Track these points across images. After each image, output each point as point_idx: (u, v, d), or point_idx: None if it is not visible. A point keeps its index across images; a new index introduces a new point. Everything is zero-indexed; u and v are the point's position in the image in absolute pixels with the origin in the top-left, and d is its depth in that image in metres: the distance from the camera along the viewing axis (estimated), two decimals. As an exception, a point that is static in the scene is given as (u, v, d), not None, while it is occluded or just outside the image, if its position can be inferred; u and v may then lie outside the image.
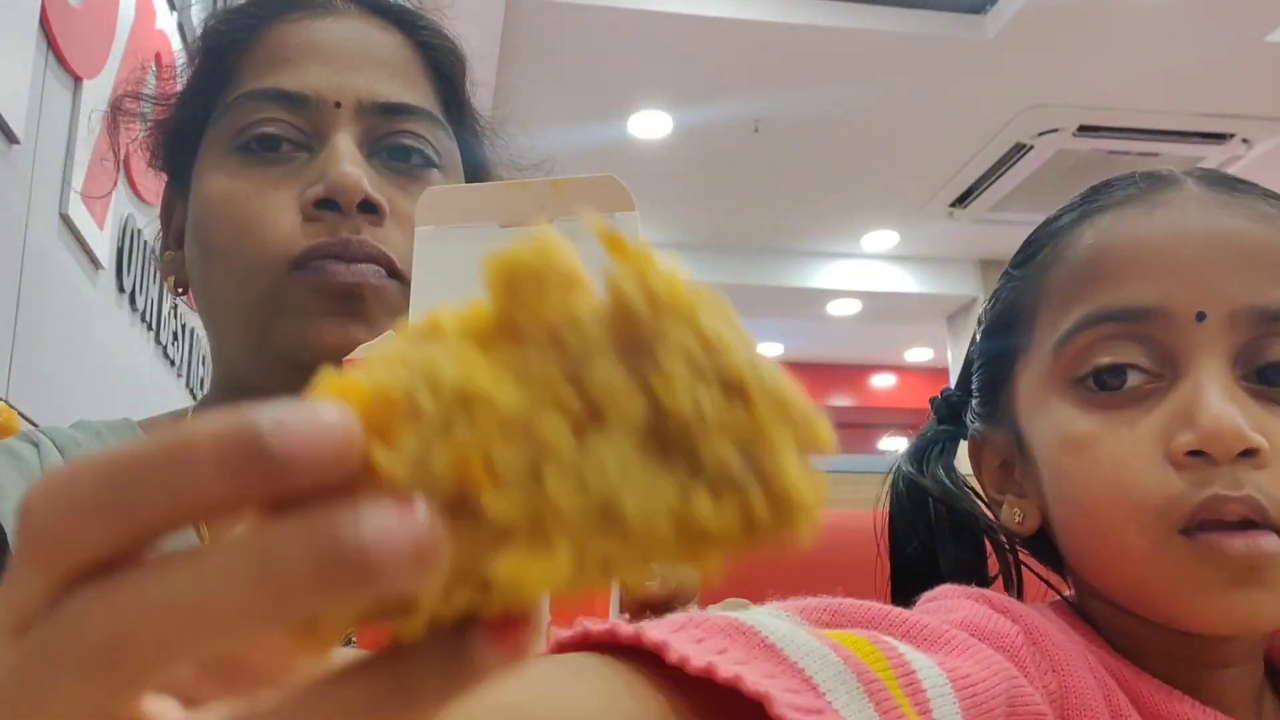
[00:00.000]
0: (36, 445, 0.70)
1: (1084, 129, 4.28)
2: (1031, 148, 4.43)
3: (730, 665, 0.35)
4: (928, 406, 0.72)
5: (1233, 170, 3.80)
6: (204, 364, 2.14)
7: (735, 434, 0.19)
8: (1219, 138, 4.35)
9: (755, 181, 4.83)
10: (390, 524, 0.18)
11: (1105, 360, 0.55)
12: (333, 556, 0.18)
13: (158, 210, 0.82)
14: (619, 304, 0.20)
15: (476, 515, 0.19)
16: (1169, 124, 4.25)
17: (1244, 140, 4.35)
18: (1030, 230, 0.65)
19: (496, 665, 0.20)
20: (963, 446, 0.69)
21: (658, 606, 0.54)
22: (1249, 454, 0.51)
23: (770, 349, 7.41)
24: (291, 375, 0.64)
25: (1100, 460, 0.54)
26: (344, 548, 0.18)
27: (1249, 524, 0.51)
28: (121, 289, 1.69)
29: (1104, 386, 0.55)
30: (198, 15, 1.73)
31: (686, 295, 0.20)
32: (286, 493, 0.18)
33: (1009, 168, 4.63)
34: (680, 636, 0.37)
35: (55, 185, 1.42)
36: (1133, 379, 0.54)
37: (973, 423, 0.66)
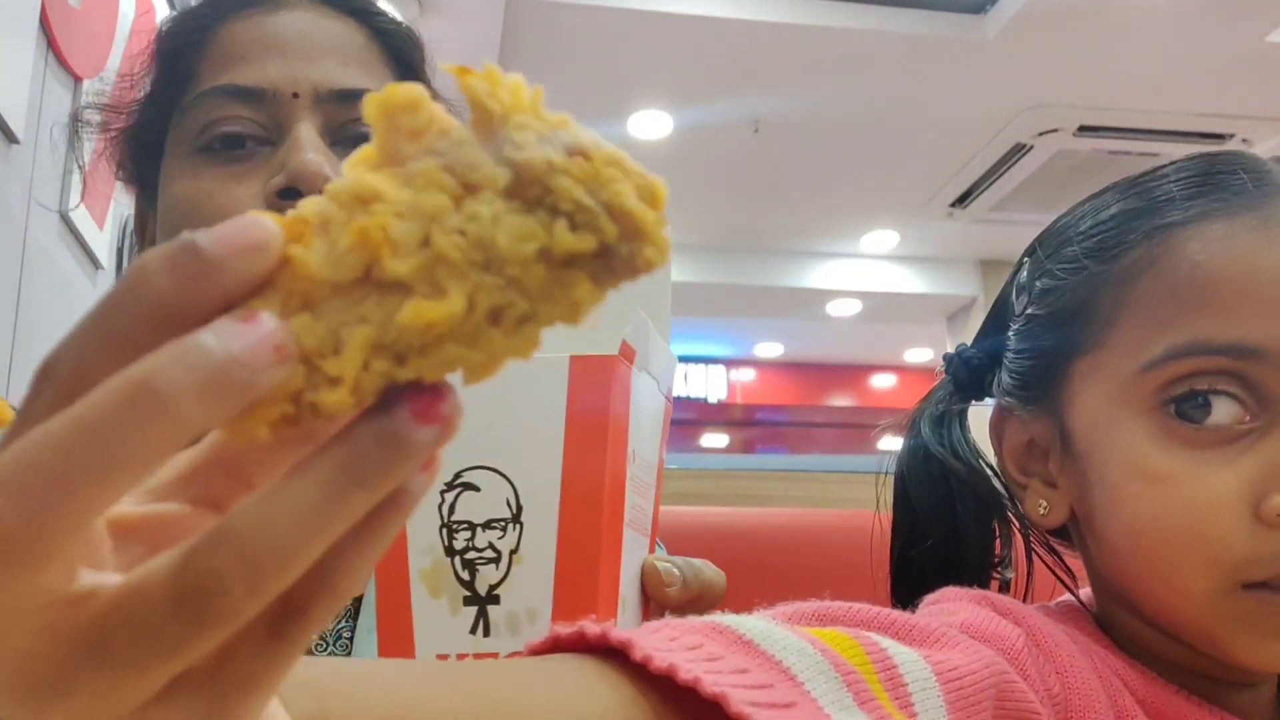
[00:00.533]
0: None
1: (1084, 129, 4.27)
2: (1031, 148, 4.43)
3: (699, 663, 0.35)
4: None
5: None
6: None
7: (581, 179, 0.23)
8: (1219, 138, 4.35)
9: (755, 181, 4.82)
10: (240, 329, 0.21)
11: (1201, 391, 0.52)
12: (201, 367, 0.20)
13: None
14: (474, 104, 0.23)
15: (383, 288, 0.22)
16: (1169, 124, 4.24)
17: (1244, 140, 4.35)
18: (1026, 228, 0.62)
19: (427, 439, 0.22)
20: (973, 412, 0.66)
21: (681, 612, 0.54)
22: None
23: (770, 349, 7.40)
24: None
25: (1176, 501, 0.51)
26: (207, 357, 0.20)
27: None
28: (121, 289, 1.69)
29: (1185, 417, 0.52)
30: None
31: (529, 94, 0.24)
32: (227, 293, 0.22)
33: (1009, 168, 4.62)
34: (654, 637, 0.37)
35: (55, 185, 1.42)
36: (1221, 414, 0.51)
37: (1001, 396, 0.62)
